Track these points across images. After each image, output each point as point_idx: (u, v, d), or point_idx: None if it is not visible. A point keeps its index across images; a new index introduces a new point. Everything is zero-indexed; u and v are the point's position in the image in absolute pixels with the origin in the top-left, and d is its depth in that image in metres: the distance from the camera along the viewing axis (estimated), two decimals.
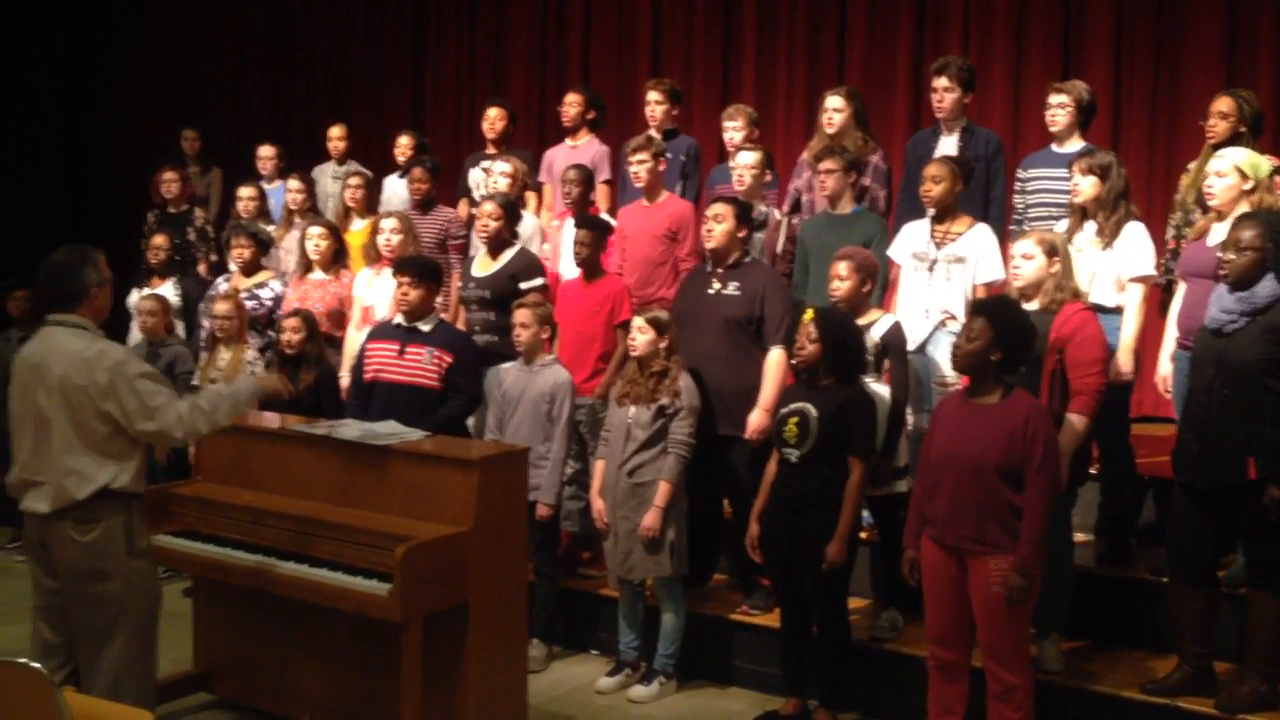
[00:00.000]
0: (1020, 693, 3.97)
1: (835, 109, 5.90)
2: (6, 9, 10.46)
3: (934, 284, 5.18)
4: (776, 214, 5.95)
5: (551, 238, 6.57)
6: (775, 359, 5.13)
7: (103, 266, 3.88)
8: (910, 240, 5.32)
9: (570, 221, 6.26)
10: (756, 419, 5.07)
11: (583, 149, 6.85)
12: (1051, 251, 4.46)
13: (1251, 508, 4.12)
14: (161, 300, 6.59)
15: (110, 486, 3.71)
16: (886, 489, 4.84)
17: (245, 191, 7.45)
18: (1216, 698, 4.25)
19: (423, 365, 5.25)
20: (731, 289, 5.23)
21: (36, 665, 2.69)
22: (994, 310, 4.05)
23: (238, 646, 4.87)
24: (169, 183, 7.91)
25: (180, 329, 6.83)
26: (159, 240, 7.28)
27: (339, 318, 6.36)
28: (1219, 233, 4.64)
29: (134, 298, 6.95)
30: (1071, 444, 4.27)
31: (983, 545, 3.92)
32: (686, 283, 5.54)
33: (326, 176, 7.80)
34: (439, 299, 5.67)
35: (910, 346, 5.14)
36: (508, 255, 5.90)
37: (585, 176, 6.33)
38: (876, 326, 4.88)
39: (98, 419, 3.69)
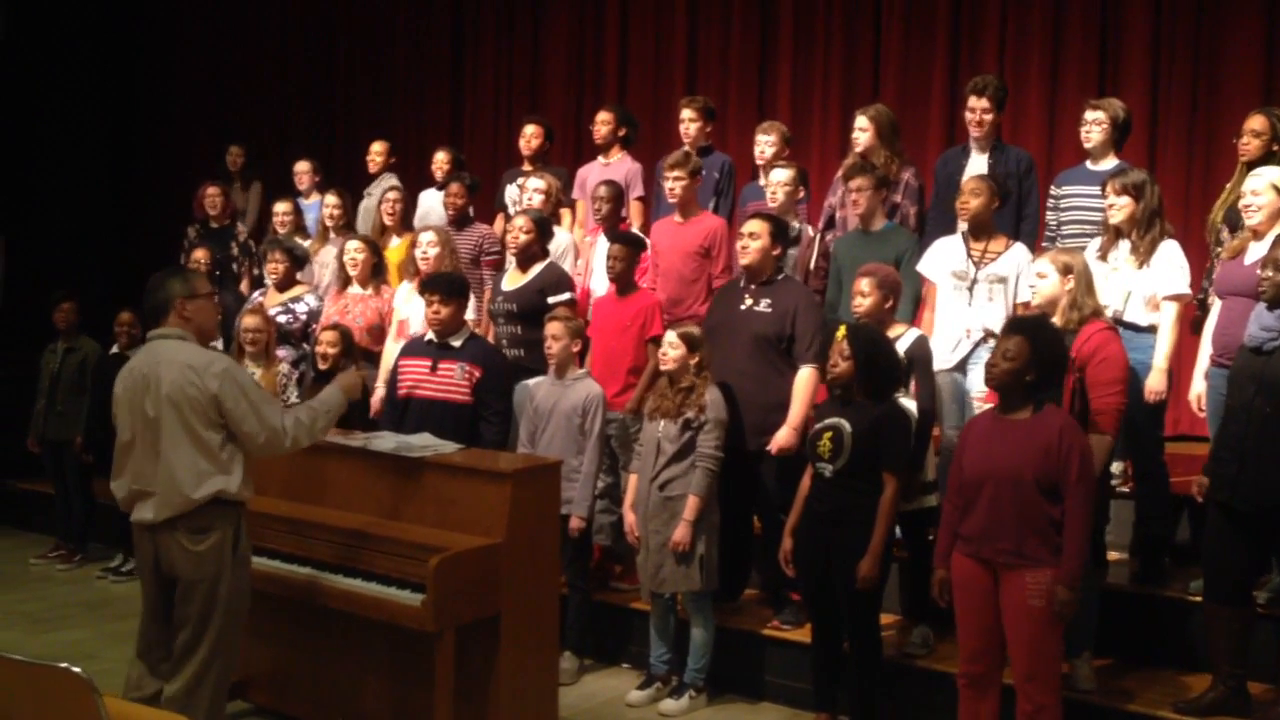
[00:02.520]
0: (1051, 711, 3.95)
1: (861, 128, 5.96)
2: (54, 27, 10.66)
3: (975, 303, 5.18)
4: (810, 230, 5.97)
5: (583, 254, 6.62)
6: (805, 377, 5.14)
7: (194, 282, 4.00)
8: (947, 259, 5.31)
9: (602, 238, 6.30)
10: (784, 436, 5.08)
11: (615, 166, 6.90)
12: (1066, 270, 4.46)
13: None
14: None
15: (223, 493, 3.81)
16: (915, 504, 4.84)
17: (280, 207, 7.55)
18: (1250, 718, 4.22)
19: (455, 381, 5.30)
20: (763, 305, 5.25)
21: (78, 670, 2.73)
22: (1032, 330, 4.04)
23: (273, 655, 4.92)
24: (212, 197, 8.02)
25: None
26: (199, 255, 7.40)
27: (379, 333, 6.42)
28: (1256, 251, 4.62)
29: None
30: (1097, 464, 4.25)
31: (1021, 559, 3.90)
32: (719, 297, 5.56)
33: (378, 191, 7.80)
34: (470, 314, 5.71)
35: (949, 365, 5.15)
36: (537, 269, 5.95)
37: (616, 193, 6.37)
38: (901, 341, 4.89)
39: (208, 426, 3.79)
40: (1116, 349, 4.36)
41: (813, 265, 5.86)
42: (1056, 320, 4.42)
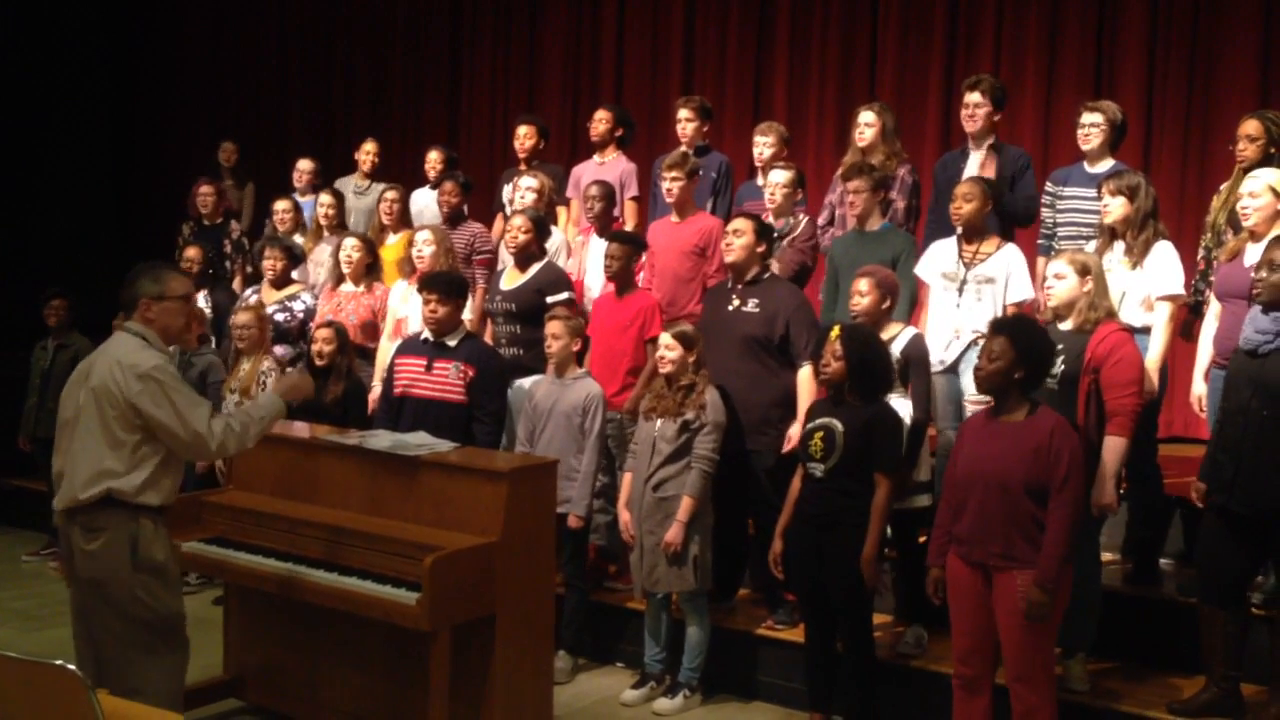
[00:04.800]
0: (1043, 712, 3.95)
1: (867, 123, 5.97)
2: (54, 25, 10.63)
3: (964, 304, 5.19)
4: (805, 218, 6.00)
5: (575, 253, 6.61)
6: (805, 376, 5.15)
7: (167, 283, 3.87)
8: (939, 260, 5.34)
9: (594, 237, 6.31)
10: (796, 434, 5.07)
11: (610, 165, 6.90)
12: (1084, 271, 4.45)
13: None
14: (198, 311, 6.67)
15: (115, 491, 3.70)
16: (906, 504, 4.84)
17: (280, 205, 7.53)
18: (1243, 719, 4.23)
19: (449, 380, 5.30)
20: (751, 306, 5.26)
21: (72, 667, 2.72)
22: (1014, 329, 4.05)
23: (267, 653, 4.91)
24: (205, 196, 8.02)
25: (211, 340, 6.91)
26: (191, 252, 7.39)
27: (372, 330, 6.42)
28: (1254, 253, 4.62)
29: None
30: (1113, 465, 4.25)
31: (1010, 561, 3.91)
32: (708, 300, 5.57)
33: (348, 190, 7.83)
34: (466, 314, 5.71)
35: (940, 366, 5.16)
36: (535, 269, 5.95)
37: (608, 192, 6.39)
38: (897, 341, 4.90)
39: (123, 425, 3.71)
40: (1131, 350, 4.34)
41: (799, 236, 5.85)
42: (1072, 321, 4.42)
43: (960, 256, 5.25)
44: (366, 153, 7.94)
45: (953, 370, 5.21)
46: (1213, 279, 4.98)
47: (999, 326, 4.10)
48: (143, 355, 3.76)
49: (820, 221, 6.16)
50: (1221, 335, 4.72)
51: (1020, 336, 3.99)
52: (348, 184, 7.92)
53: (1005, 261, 5.18)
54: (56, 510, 3.83)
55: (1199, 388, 4.93)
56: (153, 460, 3.76)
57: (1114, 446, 4.25)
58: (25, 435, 7.67)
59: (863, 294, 4.90)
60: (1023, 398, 4.01)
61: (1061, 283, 4.48)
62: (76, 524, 3.75)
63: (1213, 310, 4.87)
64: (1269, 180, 4.66)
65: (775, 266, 5.61)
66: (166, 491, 3.84)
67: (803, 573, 4.60)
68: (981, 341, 5.03)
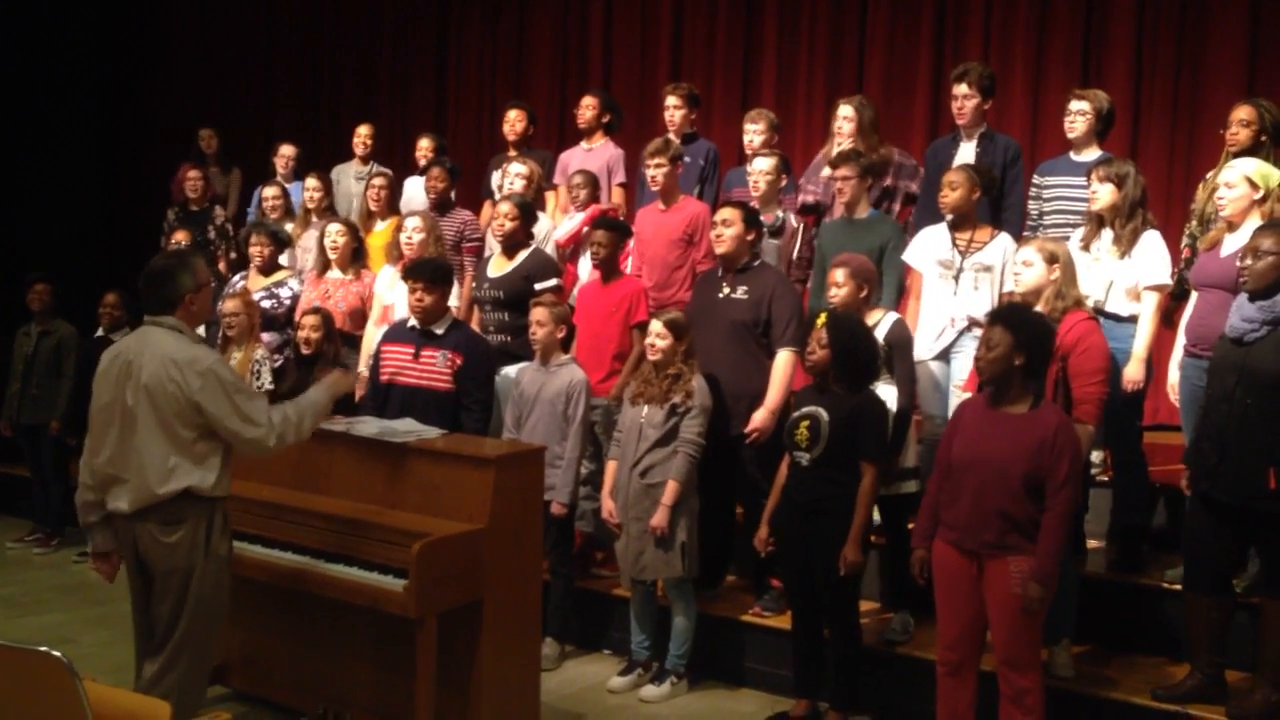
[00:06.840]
0: (1032, 695, 3.97)
1: (845, 117, 5.95)
2: (43, 11, 10.55)
3: (961, 292, 5.19)
4: (793, 220, 5.97)
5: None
6: (783, 361, 5.16)
7: (200, 271, 3.92)
8: (932, 247, 5.32)
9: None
10: (759, 419, 5.09)
11: (597, 152, 6.89)
12: (1052, 259, 4.47)
13: (1270, 518, 4.11)
14: None
15: (193, 489, 3.75)
16: (894, 489, 4.85)
17: (269, 191, 7.49)
18: (1227, 705, 4.25)
19: (437, 368, 5.28)
20: (740, 293, 5.26)
21: (57, 654, 2.72)
22: (1009, 317, 4.06)
23: (253, 640, 4.90)
24: (192, 181, 7.99)
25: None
26: (178, 238, 7.35)
27: (360, 317, 6.39)
28: (1231, 243, 4.64)
29: None
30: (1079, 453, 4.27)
31: (1003, 550, 3.92)
32: (698, 287, 5.57)
33: (349, 176, 7.83)
34: (452, 300, 5.70)
35: (932, 353, 5.16)
36: (522, 256, 5.94)
37: (591, 180, 6.38)
38: (880, 327, 4.90)
39: (184, 423, 3.72)
40: (1099, 339, 4.38)
41: (795, 255, 5.86)
42: (1040, 309, 4.42)
43: (955, 245, 5.24)
44: (360, 136, 7.91)
45: (943, 358, 5.21)
46: None
47: (995, 316, 4.11)
48: (194, 350, 3.78)
49: (796, 211, 6.15)
50: (1194, 324, 4.74)
51: (1017, 324, 4.00)
52: (348, 170, 7.88)
53: (1002, 250, 5.18)
54: (125, 513, 3.79)
55: (1173, 376, 4.95)
56: (217, 456, 3.81)
57: (1080, 434, 4.25)
58: (7, 421, 7.63)
59: (839, 285, 4.89)
60: (1025, 389, 4.00)
61: (1029, 270, 4.50)
62: (150, 520, 3.76)
63: (1192, 299, 4.89)
64: (1245, 171, 4.67)
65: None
66: (229, 482, 3.90)
67: (790, 559, 4.61)
68: (976, 329, 5.08)
